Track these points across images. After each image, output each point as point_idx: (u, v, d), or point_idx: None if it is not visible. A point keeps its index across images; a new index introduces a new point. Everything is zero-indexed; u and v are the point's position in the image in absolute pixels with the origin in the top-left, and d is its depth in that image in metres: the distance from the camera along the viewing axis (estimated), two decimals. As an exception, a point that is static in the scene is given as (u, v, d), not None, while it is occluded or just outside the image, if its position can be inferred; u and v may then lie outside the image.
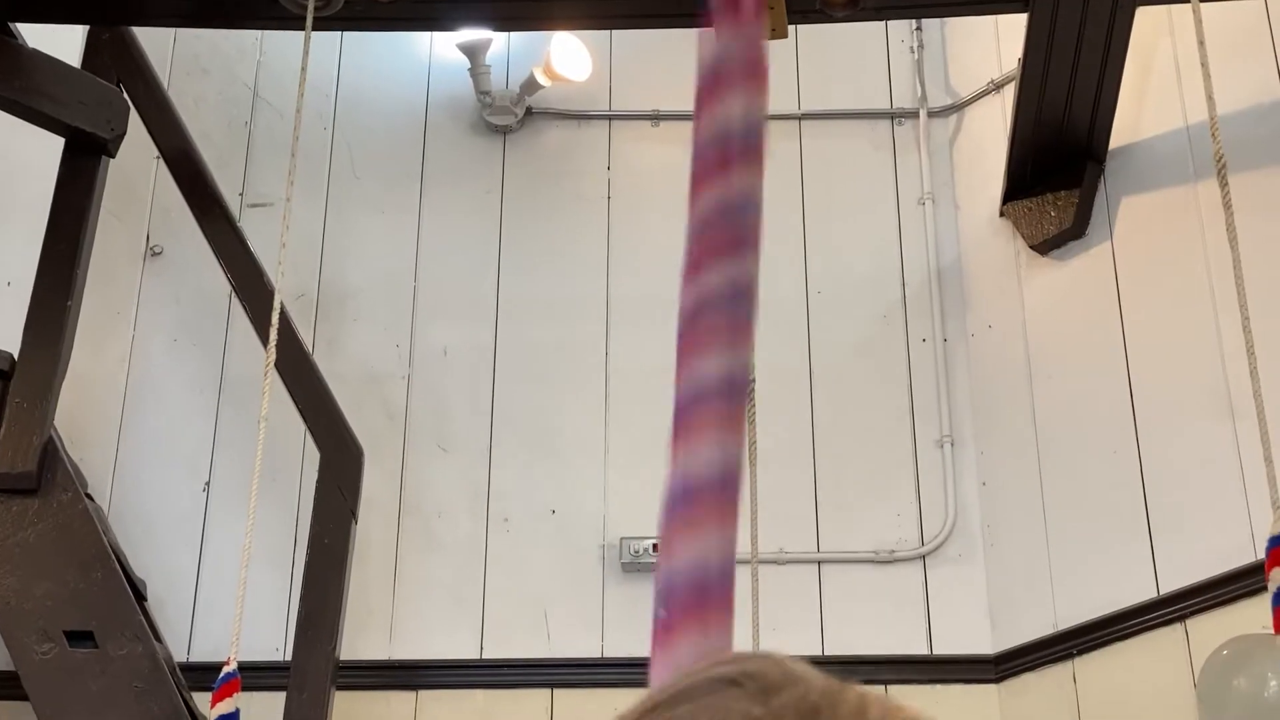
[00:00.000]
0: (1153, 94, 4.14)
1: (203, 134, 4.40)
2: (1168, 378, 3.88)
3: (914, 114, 4.71)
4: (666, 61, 4.72)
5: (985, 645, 4.07)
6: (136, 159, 4.35)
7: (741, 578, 1.52)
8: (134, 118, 4.04)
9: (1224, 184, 2.39)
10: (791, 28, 3.31)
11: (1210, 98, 2.44)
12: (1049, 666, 3.90)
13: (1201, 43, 2.52)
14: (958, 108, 4.71)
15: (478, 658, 4.12)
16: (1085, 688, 3.82)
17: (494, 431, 4.37)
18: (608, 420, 4.36)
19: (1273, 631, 2.00)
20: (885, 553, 4.20)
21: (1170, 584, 3.68)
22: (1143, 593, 3.73)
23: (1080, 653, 3.84)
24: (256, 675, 3.63)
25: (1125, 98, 4.05)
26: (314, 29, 3.61)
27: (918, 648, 4.09)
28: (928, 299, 4.48)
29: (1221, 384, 3.69)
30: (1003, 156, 4.30)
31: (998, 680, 4.01)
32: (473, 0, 4.05)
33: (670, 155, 4.69)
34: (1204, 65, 2.48)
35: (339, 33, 4.63)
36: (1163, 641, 3.66)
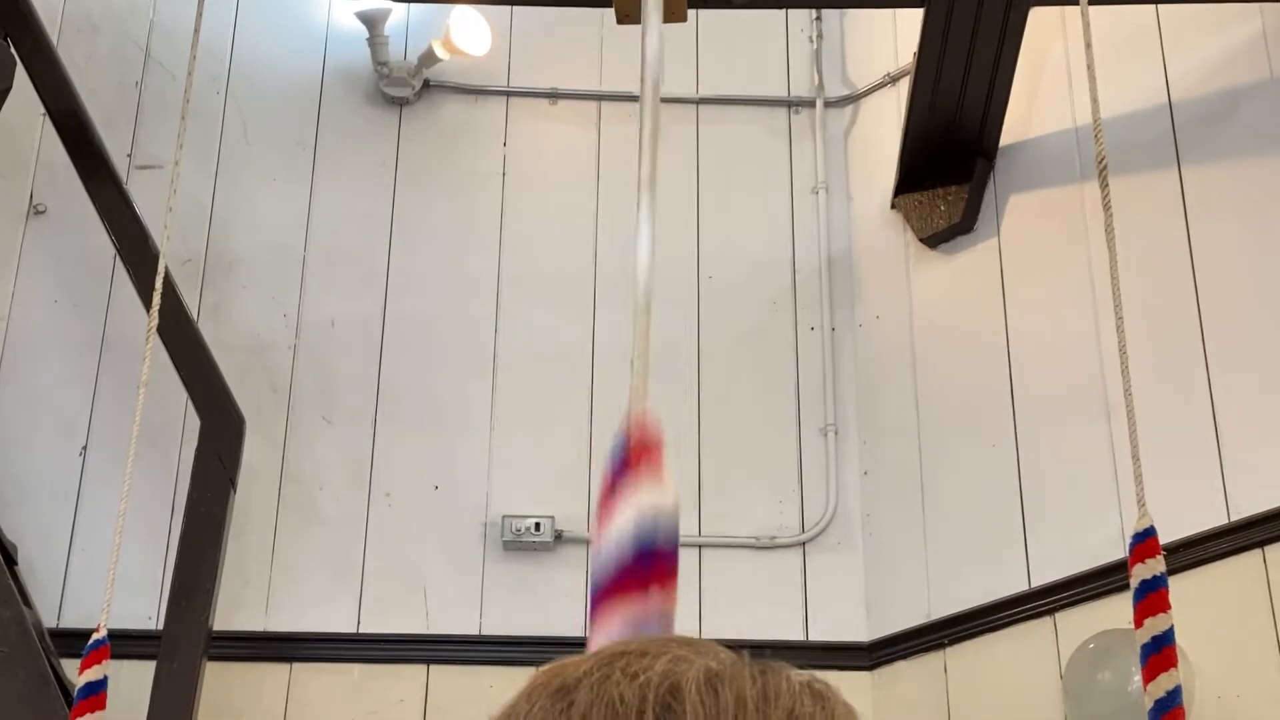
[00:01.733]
0: (1044, 94, 4.21)
1: (91, 92, 4.32)
2: (1047, 374, 3.94)
3: (810, 103, 4.74)
4: (566, 40, 4.71)
5: (861, 633, 4.12)
6: (22, 115, 4.26)
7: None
8: (20, 73, 3.95)
9: (1105, 186, 2.43)
10: (691, 12, 3.31)
11: (1095, 100, 2.48)
12: (921, 655, 3.95)
13: (1089, 45, 2.56)
14: (854, 99, 4.74)
15: (354, 631, 4.09)
16: (956, 677, 3.88)
17: (379, 405, 4.34)
18: (494, 398, 4.35)
19: (1133, 627, 2.04)
20: (766, 539, 4.24)
21: (1041, 577, 3.75)
22: (1014, 585, 3.80)
23: (952, 642, 3.89)
24: (127, 643, 3.57)
25: (1017, 96, 4.11)
26: (209, -10, 3.55)
27: (794, 633, 4.12)
28: (817, 288, 4.51)
29: (1099, 383, 3.76)
30: (896, 149, 4.35)
31: (871, 668, 4.06)
32: (373, -31, 4.01)
33: (567, 134, 4.69)
34: (1090, 68, 2.52)
35: (235, -5, 4.57)
36: (1032, 634, 3.73)
